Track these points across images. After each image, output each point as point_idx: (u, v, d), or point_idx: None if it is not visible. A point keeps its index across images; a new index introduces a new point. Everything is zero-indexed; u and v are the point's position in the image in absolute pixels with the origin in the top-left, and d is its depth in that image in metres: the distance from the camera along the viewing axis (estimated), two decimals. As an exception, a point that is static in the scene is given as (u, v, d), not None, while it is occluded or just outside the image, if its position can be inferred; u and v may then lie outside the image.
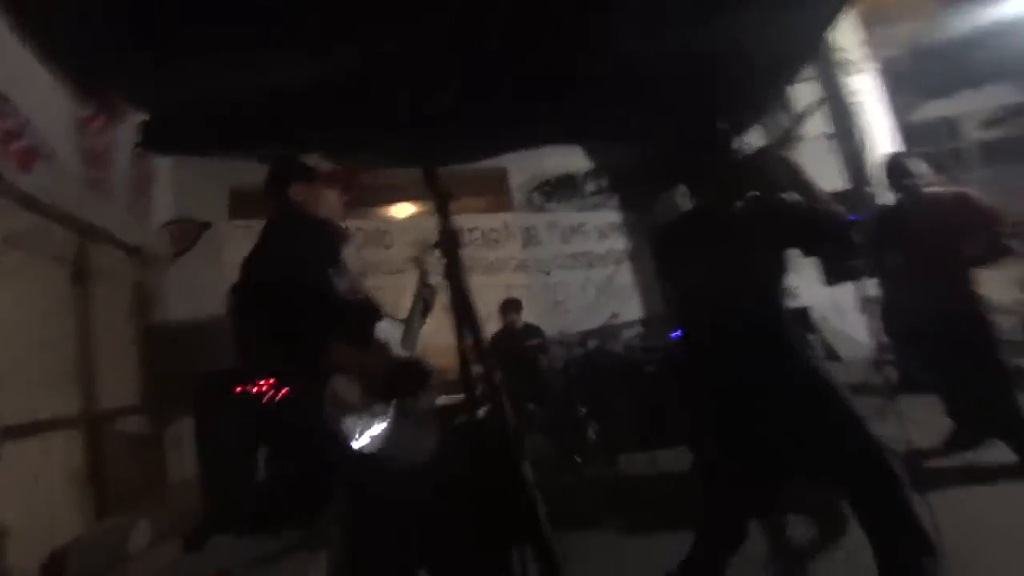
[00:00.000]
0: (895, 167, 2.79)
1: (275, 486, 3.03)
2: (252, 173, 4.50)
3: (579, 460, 3.63)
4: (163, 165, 4.29)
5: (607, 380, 3.85)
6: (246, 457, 2.96)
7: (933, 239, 2.47)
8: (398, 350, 1.65)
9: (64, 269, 3.14)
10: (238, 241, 4.65)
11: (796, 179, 1.51)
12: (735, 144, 1.59)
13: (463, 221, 5.38)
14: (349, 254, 1.71)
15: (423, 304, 1.88)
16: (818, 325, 5.09)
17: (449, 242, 1.14)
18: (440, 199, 1.19)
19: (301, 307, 1.44)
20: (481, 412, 3.94)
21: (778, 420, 1.53)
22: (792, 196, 1.51)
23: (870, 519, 1.44)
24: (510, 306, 4.51)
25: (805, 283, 4.90)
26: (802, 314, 3.71)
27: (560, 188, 5.74)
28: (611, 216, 5.72)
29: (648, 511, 2.71)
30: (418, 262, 2.09)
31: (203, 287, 4.18)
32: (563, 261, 5.50)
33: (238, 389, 3.20)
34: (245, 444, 2.98)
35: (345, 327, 1.51)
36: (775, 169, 1.54)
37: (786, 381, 1.51)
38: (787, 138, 1.74)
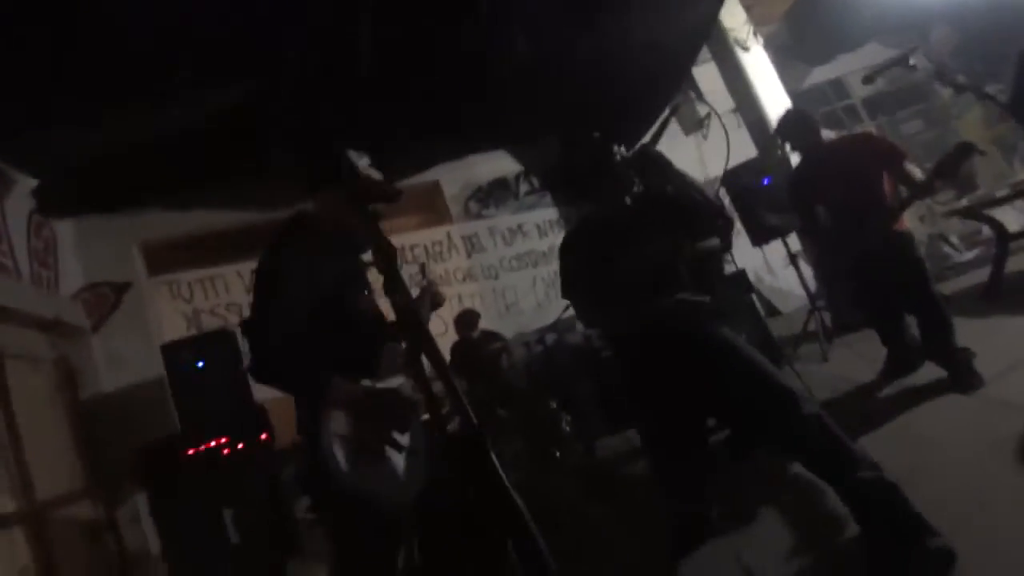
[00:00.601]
0: (789, 123, 2.92)
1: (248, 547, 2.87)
2: (164, 224, 4.32)
3: (558, 454, 3.66)
4: (66, 230, 3.97)
5: (570, 371, 3.91)
6: (211, 522, 2.78)
7: (848, 181, 2.59)
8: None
9: (-30, 358, 2.85)
10: (162, 298, 4.39)
11: (669, 172, 1.68)
12: (613, 149, 1.71)
13: (405, 239, 5.32)
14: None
15: (431, 303, 1.82)
16: (756, 285, 5.40)
17: (386, 258, 1.10)
18: (368, 219, 1.16)
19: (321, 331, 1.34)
20: (450, 427, 3.89)
21: (698, 388, 1.65)
22: (670, 188, 1.69)
23: (805, 462, 1.58)
24: (467, 317, 4.50)
25: (738, 247, 5.23)
26: (740, 276, 3.92)
27: (495, 193, 5.79)
28: (548, 213, 5.83)
29: (630, 493, 2.77)
30: (423, 268, 2.04)
31: (132, 352, 3.91)
32: (509, 264, 5.55)
33: (190, 452, 3.04)
34: (208, 509, 2.81)
35: (358, 351, 1.42)
36: (652, 166, 1.69)
37: (698, 353, 1.65)
38: (660, 132, 1.88)
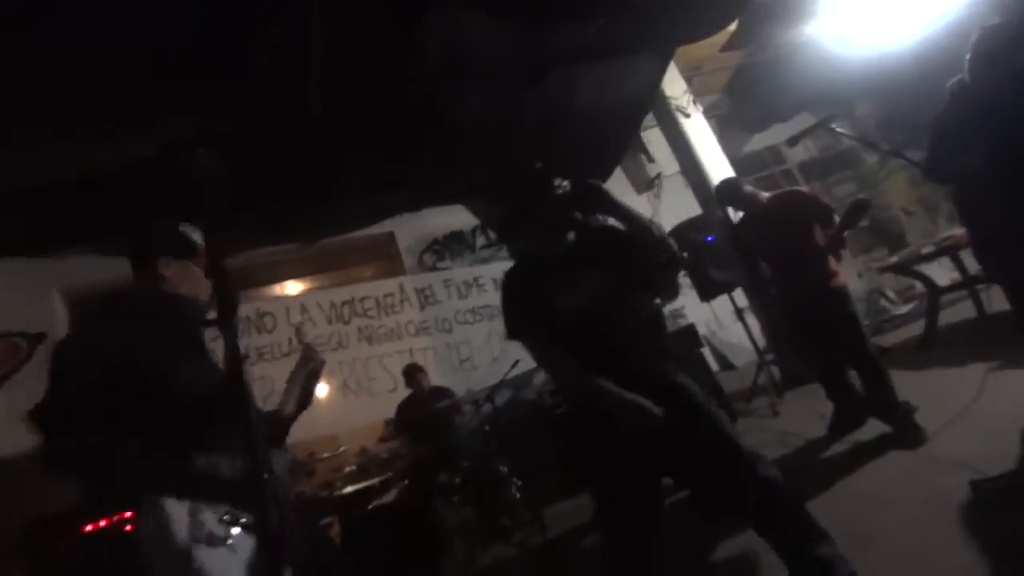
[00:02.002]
0: (723, 190, 3.19)
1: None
2: (88, 271, 4.05)
3: (508, 523, 3.43)
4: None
5: (521, 431, 3.75)
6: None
7: (782, 233, 2.71)
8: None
9: None
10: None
11: (612, 205, 1.63)
12: (553, 181, 1.67)
13: (354, 291, 5.17)
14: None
15: (310, 373, 1.68)
16: (708, 339, 5.46)
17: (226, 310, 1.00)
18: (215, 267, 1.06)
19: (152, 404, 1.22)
20: (391, 496, 3.60)
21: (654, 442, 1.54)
22: (614, 221, 1.65)
23: (758, 523, 1.47)
24: (414, 372, 4.31)
25: (688, 302, 5.32)
26: (689, 330, 3.94)
27: (450, 246, 5.78)
28: (505, 266, 5.76)
29: (585, 562, 2.58)
30: (299, 334, 1.93)
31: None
32: (464, 317, 5.43)
33: (88, 528, 2.68)
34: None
35: (194, 428, 1.29)
36: (595, 199, 1.65)
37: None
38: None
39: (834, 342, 2.63)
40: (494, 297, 5.69)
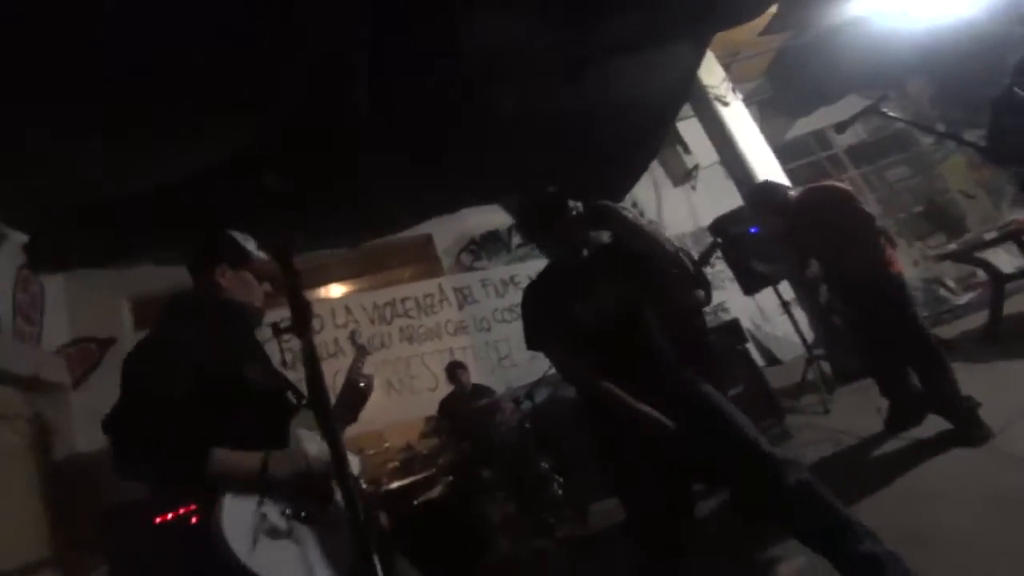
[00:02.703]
0: (754, 202, 3.08)
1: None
2: (153, 280, 4.33)
3: (551, 521, 3.45)
4: (55, 285, 3.97)
5: (562, 429, 3.75)
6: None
7: (823, 231, 2.62)
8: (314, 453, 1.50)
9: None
10: (150, 353, 4.31)
11: (625, 224, 1.66)
12: (565, 203, 1.71)
13: (395, 292, 5.30)
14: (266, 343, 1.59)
15: (356, 391, 1.75)
16: (752, 333, 5.31)
17: (301, 321, 1.06)
18: (291, 280, 1.12)
19: (209, 407, 1.30)
20: (436, 492, 3.68)
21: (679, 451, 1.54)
22: (629, 240, 1.67)
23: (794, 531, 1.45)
24: (455, 368, 4.39)
25: (732, 296, 5.18)
26: (732, 325, 3.84)
27: (487, 245, 5.83)
28: (541, 264, 5.77)
29: (624, 561, 2.57)
30: (353, 337, 2.02)
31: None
32: (501, 316, 5.48)
33: (158, 520, 2.86)
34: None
35: (258, 428, 1.37)
36: (607, 219, 1.68)
37: (675, 413, 1.54)
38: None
39: (890, 333, 2.50)
40: (531, 295, 5.70)
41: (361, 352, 1.84)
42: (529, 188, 1.86)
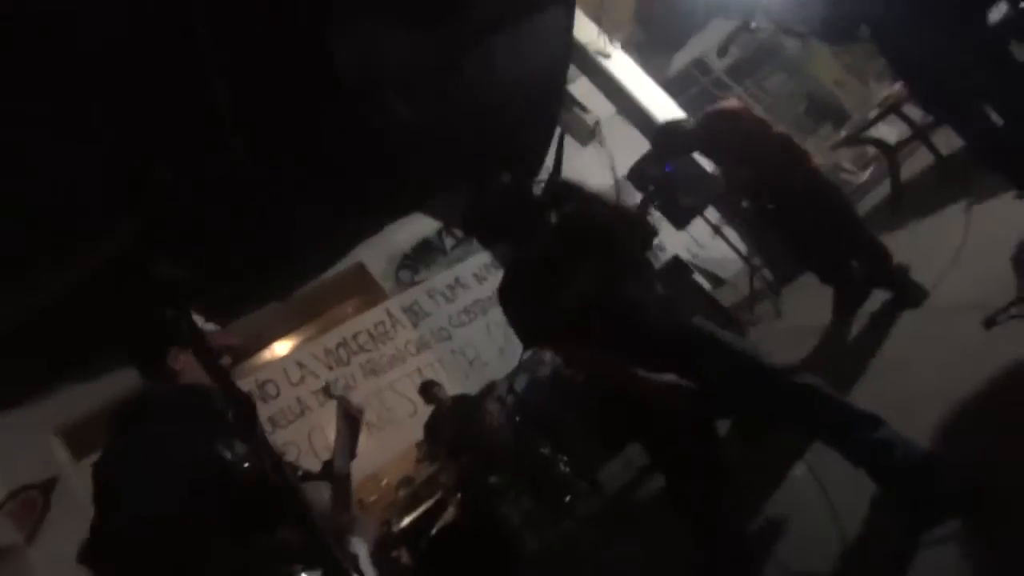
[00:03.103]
0: (660, 148, 3.17)
1: None
2: (77, 403, 3.93)
3: (568, 499, 3.48)
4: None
5: (550, 409, 3.77)
6: None
7: (734, 152, 2.74)
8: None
9: None
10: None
11: (583, 195, 1.67)
12: (526, 188, 1.71)
13: (344, 330, 5.09)
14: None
15: (351, 424, 1.66)
16: (692, 263, 5.53)
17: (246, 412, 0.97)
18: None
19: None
20: (450, 514, 3.59)
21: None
22: (593, 210, 1.67)
23: (820, 437, 1.51)
24: (429, 388, 4.30)
25: (665, 236, 5.36)
26: (676, 263, 3.98)
27: (422, 256, 5.70)
28: (481, 258, 5.78)
29: (651, 519, 2.63)
30: (327, 390, 1.89)
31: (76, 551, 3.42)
32: (458, 319, 5.41)
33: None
34: None
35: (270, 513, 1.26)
36: (565, 194, 1.67)
37: (675, 350, 1.56)
38: (559, 158, 1.96)
39: (826, 228, 2.62)
40: (480, 291, 5.66)
41: (343, 403, 1.74)
42: (476, 185, 1.78)
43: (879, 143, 3.89)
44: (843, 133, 4.41)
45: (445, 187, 5.08)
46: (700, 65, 7.45)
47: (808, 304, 3.21)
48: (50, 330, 2.89)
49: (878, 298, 2.58)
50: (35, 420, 3.77)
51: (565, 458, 3.64)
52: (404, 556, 3.83)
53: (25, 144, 1.86)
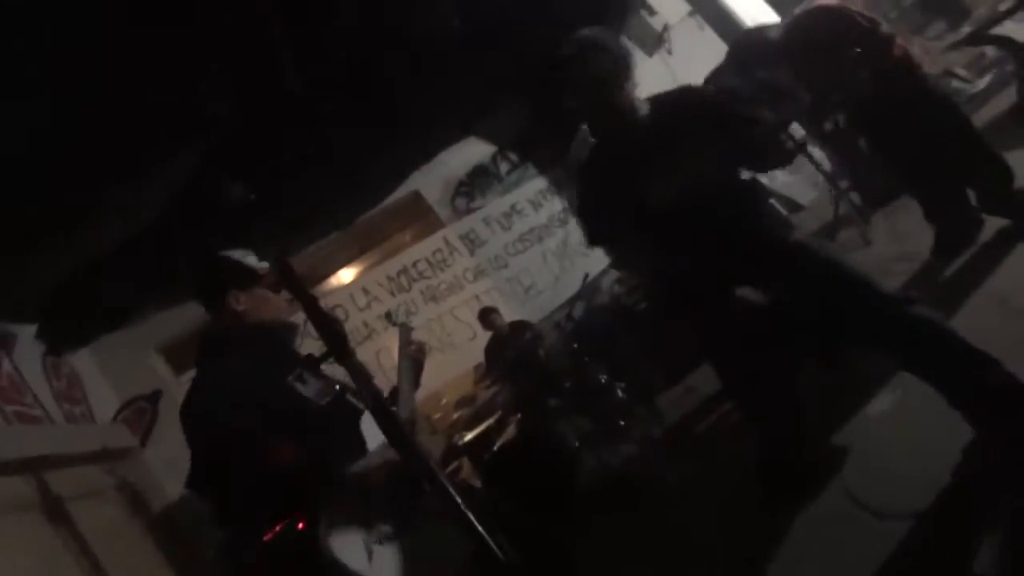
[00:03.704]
0: (737, 56, 2.74)
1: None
2: (174, 323, 4.29)
3: (623, 423, 3.55)
4: (84, 360, 3.97)
5: (608, 337, 3.77)
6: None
7: (826, 60, 2.31)
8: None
9: (35, 515, 2.85)
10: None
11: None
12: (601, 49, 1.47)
13: (404, 259, 5.20)
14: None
15: (413, 362, 1.71)
16: (770, 187, 5.13)
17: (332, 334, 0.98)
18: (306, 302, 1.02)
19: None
20: (508, 433, 3.75)
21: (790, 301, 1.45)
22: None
23: (921, 366, 1.38)
24: (487, 315, 4.39)
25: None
26: (750, 185, 3.69)
27: (477, 182, 5.60)
28: (537, 184, 5.62)
29: (708, 447, 2.65)
30: (390, 318, 1.94)
31: (184, 453, 3.90)
32: (514, 248, 5.38)
33: (268, 537, 3.02)
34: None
35: (327, 445, 1.35)
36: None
37: (768, 260, 1.44)
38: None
39: (934, 142, 2.25)
40: (536, 218, 5.56)
41: (404, 330, 1.78)
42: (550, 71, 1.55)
43: (1008, 41, 3.28)
44: (963, 31, 3.74)
45: (499, 104, 4.85)
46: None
47: (904, 231, 2.92)
48: (144, 255, 3.12)
49: (992, 225, 2.29)
50: (138, 339, 4.19)
51: (623, 384, 3.68)
52: (463, 469, 4.13)
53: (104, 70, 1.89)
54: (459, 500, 0.93)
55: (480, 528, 0.87)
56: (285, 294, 1.50)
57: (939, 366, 1.33)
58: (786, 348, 1.55)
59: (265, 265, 1.47)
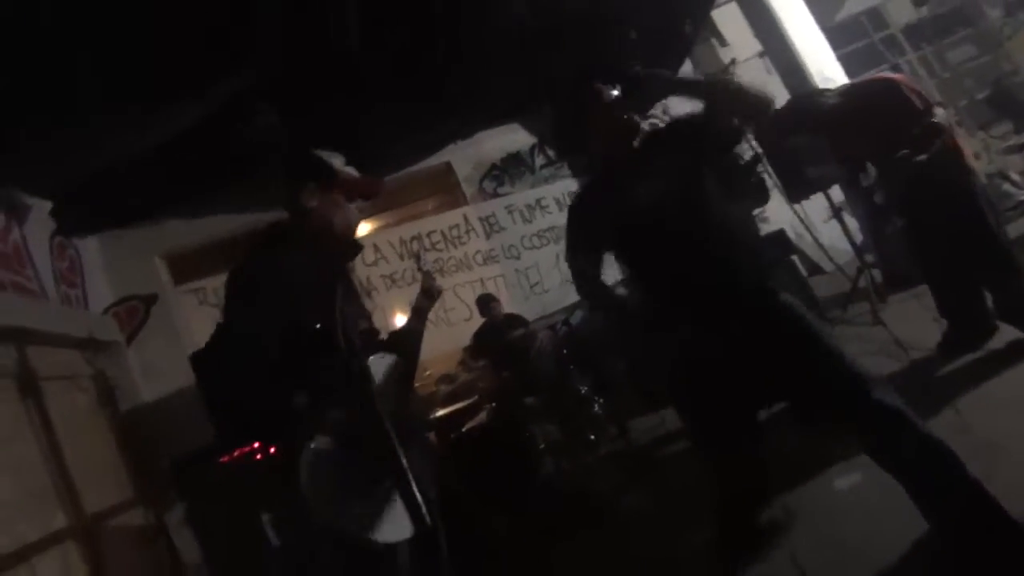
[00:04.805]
0: (782, 118, 2.70)
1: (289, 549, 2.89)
2: (184, 234, 4.34)
3: (592, 438, 3.56)
4: (89, 247, 4.02)
5: (599, 351, 3.76)
6: (249, 527, 2.80)
7: (874, 130, 2.32)
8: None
9: (8, 382, 2.90)
10: (189, 307, 4.45)
11: (670, 83, 1.54)
12: (606, 87, 1.50)
13: (420, 226, 5.21)
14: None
15: (428, 293, 1.70)
16: (796, 243, 5.07)
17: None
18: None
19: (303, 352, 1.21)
20: (480, 419, 3.77)
21: (753, 358, 1.43)
22: (691, 93, 1.48)
23: (879, 454, 1.36)
24: (487, 302, 4.39)
25: (773, 206, 4.90)
26: (779, 236, 3.65)
27: (509, 169, 5.57)
28: (567, 185, 5.58)
29: (668, 477, 2.64)
30: (418, 261, 1.94)
31: (166, 362, 3.96)
32: (530, 242, 5.36)
33: (225, 459, 3.06)
34: (244, 514, 2.82)
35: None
36: (650, 86, 1.51)
37: (754, 319, 1.42)
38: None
39: (960, 234, 2.23)
40: (558, 219, 5.52)
41: (427, 276, 1.78)
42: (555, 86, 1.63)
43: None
44: (1027, 134, 3.67)
45: (547, 98, 4.81)
46: (874, 16, 6.32)
47: (915, 319, 2.88)
48: (168, 165, 3.15)
49: (1008, 336, 2.25)
50: (146, 241, 4.23)
51: (601, 400, 3.68)
52: (430, 440, 4.15)
53: None
54: (400, 456, 0.94)
55: (413, 486, 0.87)
56: (359, 205, 1.47)
57: (894, 458, 1.31)
58: (750, 397, 1.54)
59: (350, 170, 1.43)
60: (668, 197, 1.45)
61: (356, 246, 1.44)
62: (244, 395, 1.25)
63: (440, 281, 5.46)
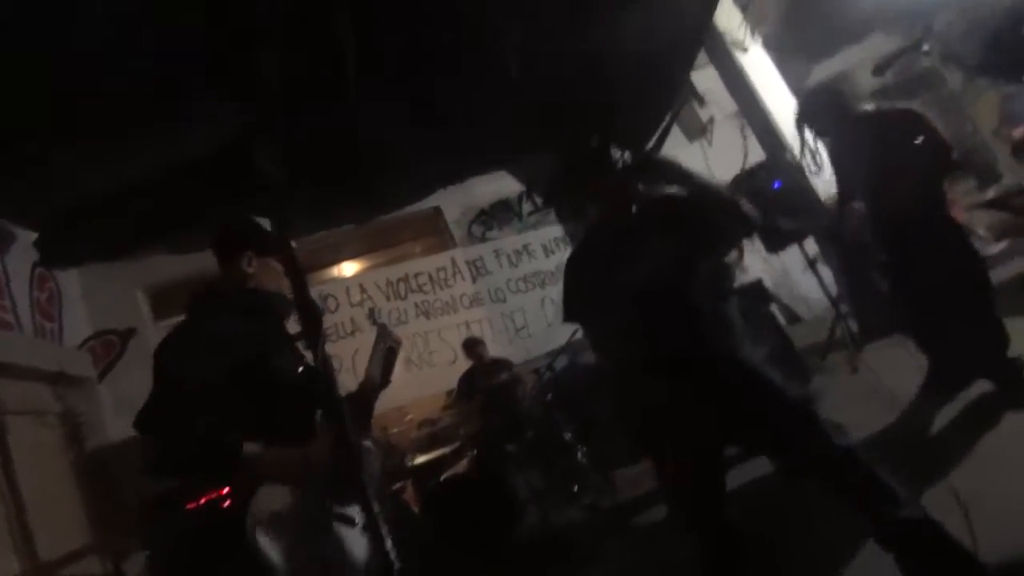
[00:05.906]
0: (812, 104, 2.62)
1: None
2: (167, 268, 4.32)
3: (575, 489, 3.47)
4: (70, 280, 3.98)
5: (584, 397, 3.74)
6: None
7: (887, 166, 2.27)
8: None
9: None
10: (170, 342, 4.37)
11: (678, 174, 1.56)
12: (612, 154, 1.63)
13: (409, 267, 5.25)
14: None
15: (388, 351, 1.72)
16: (774, 293, 5.19)
17: (312, 321, 1.00)
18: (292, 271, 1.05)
19: (242, 399, 1.28)
20: (460, 467, 3.69)
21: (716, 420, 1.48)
22: (680, 192, 1.56)
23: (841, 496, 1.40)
24: (474, 345, 4.38)
25: (751, 256, 5.04)
26: (756, 287, 3.74)
27: (498, 215, 5.70)
28: (553, 231, 5.71)
29: (651, 526, 2.58)
30: (371, 315, 1.97)
31: (139, 396, 3.82)
32: (516, 286, 5.42)
33: (191, 505, 2.92)
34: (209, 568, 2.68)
35: (288, 419, 1.35)
36: (659, 170, 1.58)
37: (717, 381, 1.49)
38: (661, 140, 1.83)
39: (943, 288, 2.24)
40: (544, 264, 5.62)
41: (383, 331, 1.80)
42: (565, 144, 1.75)
43: (1030, 214, 3.39)
44: (990, 193, 3.87)
45: (538, 146, 4.99)
46: (844, 81, 6.74)
47: (891, 368, 2.93)
48: (155, 200, 3.17)
49: (978, 388, 2.29)
50: (126, 275, 4.20)
51: (584, 448, 3.62)
52: (408, 491, 4.02)
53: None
54: (373, 503, 0.93)
55: (383, 531, 0.86)
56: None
57: (857, 500, 1.35)
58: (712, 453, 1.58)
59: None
60: (654, 263, 1.53)
61: (287, 304, 1.49)
62: (185, 448, 1.25)
63: (425, 323, 5.49)
